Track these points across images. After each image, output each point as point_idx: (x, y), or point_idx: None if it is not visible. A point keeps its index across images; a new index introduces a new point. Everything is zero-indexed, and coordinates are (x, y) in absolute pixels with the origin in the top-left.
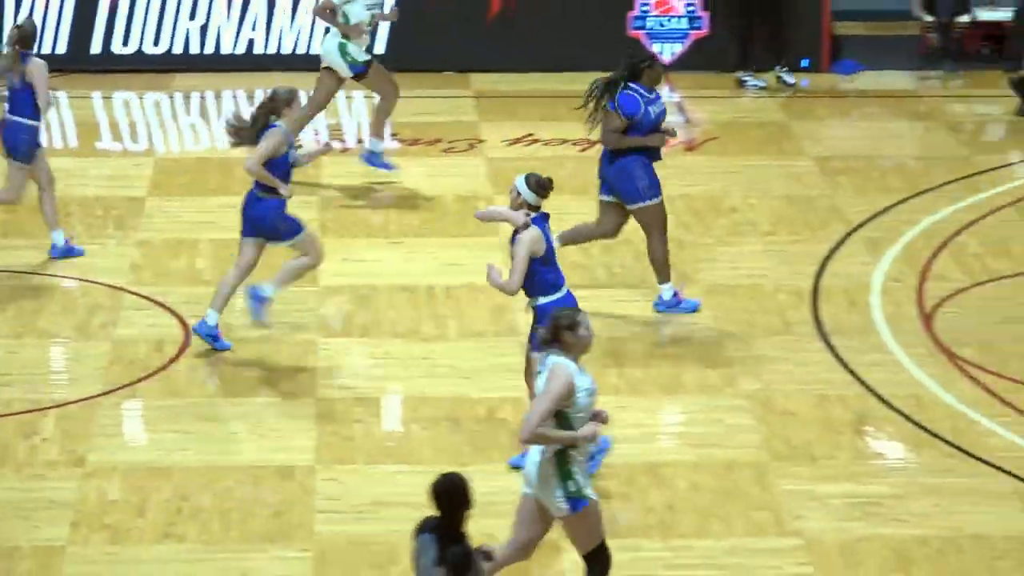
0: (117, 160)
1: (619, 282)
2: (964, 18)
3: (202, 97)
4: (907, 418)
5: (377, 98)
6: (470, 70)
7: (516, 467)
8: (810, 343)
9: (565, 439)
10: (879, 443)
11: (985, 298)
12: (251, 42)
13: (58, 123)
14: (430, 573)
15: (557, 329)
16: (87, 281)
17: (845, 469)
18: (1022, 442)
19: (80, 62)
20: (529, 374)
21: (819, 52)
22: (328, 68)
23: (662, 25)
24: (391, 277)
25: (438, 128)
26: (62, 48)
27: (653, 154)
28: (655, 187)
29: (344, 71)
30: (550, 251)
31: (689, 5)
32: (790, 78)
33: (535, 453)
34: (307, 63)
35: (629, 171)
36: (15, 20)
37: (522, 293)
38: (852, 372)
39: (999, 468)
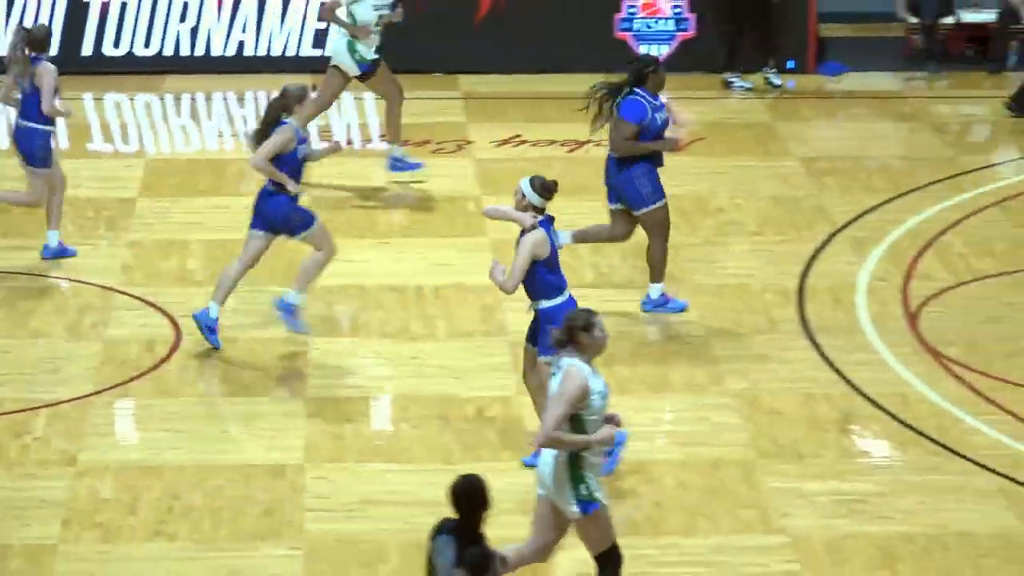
0: (108, 161)
1: (606, 282)
2: (948, 20)
3: (193, 99)
4: (892, 416)
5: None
6: (458, 72)
7: (530, 466)
8: (796, 342)
9: (580, 443)
10: (865, 441)
11: (970, 297)
12: (241, 44)
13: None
14: (449, 574)
15: (572, 330)
16: (79, 282)
17: (831, 467)
18: (1006, 440)
19: (71, 64)
20: (528, 374)
21: (805, 54)
22: (336, 67)
23: (649, 27)
24: (380, 277)
25: (427, 129)
26: (53, 50)
27: (657, 160)
28: (658, 192)
29: (352, 69)
30: (554, 255)
31: (676, 7)
32: (777, 79)
33: (548, 455)
34: (296, 65)
35: (633, 178)
36: (6, 22)
37: (521, 293)
38: (838, 371)
39: (984, 466)
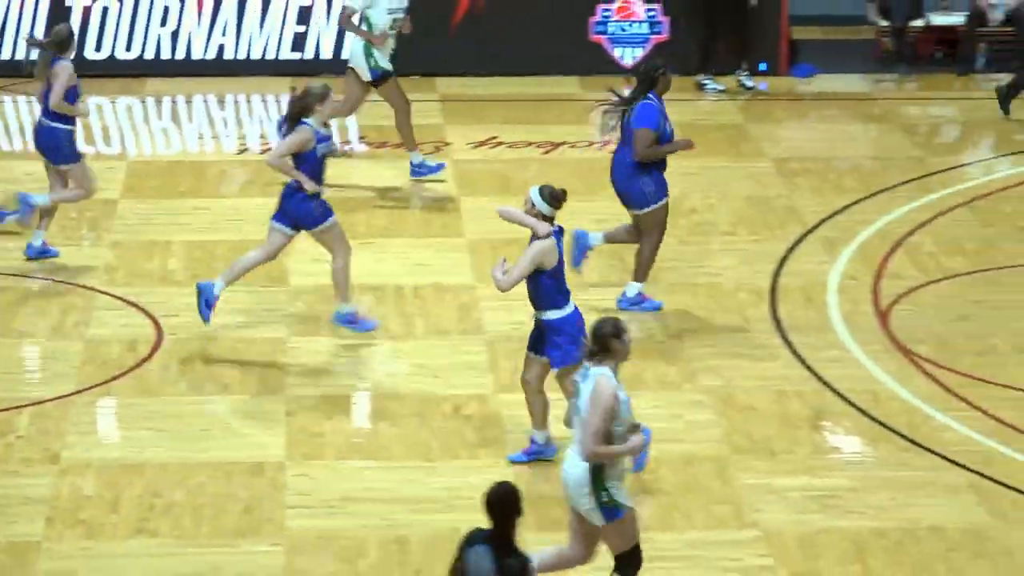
0: (90, 163)
1: (582, 280)
2: (918, 23)
3: (173, 101)
4: (864, 413)
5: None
6: (435, 74)
7: (515, 462)
8: (769, 340)
9: (624, 452)
10: (837, 437)
11: (939, 296)
12: (221, 47)
13: (32, 127)
14: None
15: (605, 338)
16: (61, 282)
17: (803, 463)
18: (976, 436)
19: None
20: (527, 376)
21: (777, 56)
22: (352, 69)
23: (623, 30)
24: (360, 277)
25: None
26: (35, 53)
27: (662, 163)
28: (661, 191)
29: (365, 74)
30: (560, 265)
31: (650, 10)
32: (750, 82)
33: (569, 466)
34: (275, 68)
35: (637, 179)
36: None
37: (504, 295)
38: (810, 368)
39: (954, 462)
